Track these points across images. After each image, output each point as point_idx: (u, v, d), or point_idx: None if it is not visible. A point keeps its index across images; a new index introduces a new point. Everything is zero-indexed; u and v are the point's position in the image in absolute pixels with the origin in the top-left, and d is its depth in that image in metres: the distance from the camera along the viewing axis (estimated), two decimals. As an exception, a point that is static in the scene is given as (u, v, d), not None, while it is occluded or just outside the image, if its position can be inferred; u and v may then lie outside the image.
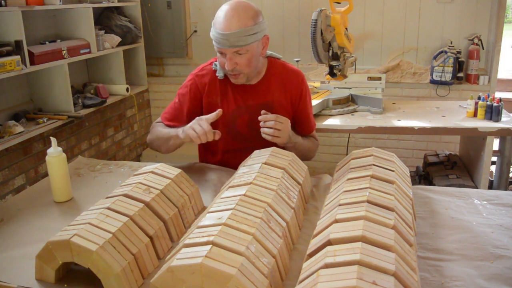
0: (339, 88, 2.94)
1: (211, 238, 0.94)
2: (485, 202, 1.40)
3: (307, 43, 2.80)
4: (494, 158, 3.02)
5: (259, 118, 1.59)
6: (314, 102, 2.60)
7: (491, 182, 2.99)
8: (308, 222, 1.28)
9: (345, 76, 2.82)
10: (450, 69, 3.43)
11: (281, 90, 1.75)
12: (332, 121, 2.60)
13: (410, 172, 2.42)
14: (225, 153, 1.78)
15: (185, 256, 0.91)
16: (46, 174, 1.56)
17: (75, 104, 3.04)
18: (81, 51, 3.07)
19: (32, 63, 2.63)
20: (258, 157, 1.40)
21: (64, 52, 2.90)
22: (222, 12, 1.56)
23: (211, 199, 1.40)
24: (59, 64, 2.87)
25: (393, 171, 1.27)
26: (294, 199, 1.25)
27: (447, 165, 2.91)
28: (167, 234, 1.19)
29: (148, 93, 4.22)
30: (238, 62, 1.59)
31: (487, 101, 2.51)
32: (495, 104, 2.47)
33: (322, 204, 1.32)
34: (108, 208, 1.11)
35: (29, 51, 2.60)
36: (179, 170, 1.38)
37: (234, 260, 0.89)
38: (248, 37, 1.54)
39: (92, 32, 3.16)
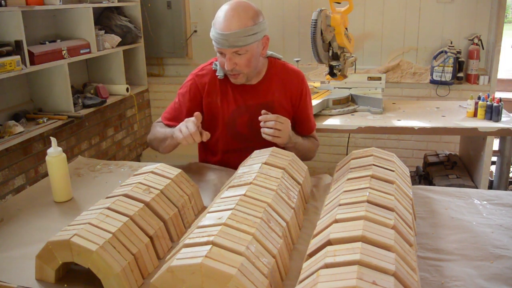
0: (339, 88, 2.94)
1: (211, 238, 0.94)
2: (485, 202, 1.40)
3: (307, 43, 2.80)
4: (494, 158, 3.02)
5: (259, 118, 1.59)
6: (314, 102, 2.60)
7: (491, 182, 2.99)
8: (308, 222, 1.28)
9: (345, 76, 2.82)
10: (450, 69, 3.43)
11: (281, 90, 1.75)
12: (332, 121, 2.60)
13: (410, 172, 2.42)
14: (225, 153, 1.78)
15: (185, 256, 0.91)
16: (46, 174, 1.56)
17: (75, 104, 3.04)
18: (81, 51, 3.07)
19: (32, 63, 2.63)
20: (258, 157, 1.40)
21: (64, 52, 2.90)
22: (222, 12, 1.56)
23: (211, 199, 1.40)
24: (59, 64, 2.87)
25: (393, 171, 1.27)
26: (294, 199, 1.25)
27: (447, 165, 2.91)
28: (167, 234, 1.19)
29: (148, 93, 4.22)
30: (237, 62, 1.58)
31: (487, 101, 2.51)
32: (495, 104, 2.47)
33: (322, 204, 1.32)
34: (108, 208, 1.11)
35: (29, 51, 2.60)
36: (179, 170, 1.38)
37: (234, 260, 0.89)
38: (247, 37, 1.54)
39: (92, 32, 3.16)
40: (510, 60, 7.92)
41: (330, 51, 2.73)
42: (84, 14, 3.12)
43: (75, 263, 1.02)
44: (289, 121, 1.63)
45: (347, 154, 1.63)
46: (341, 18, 2.60)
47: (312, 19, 2.55)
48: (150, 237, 1.11)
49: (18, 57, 2.50)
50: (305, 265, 0.93)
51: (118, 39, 3.46)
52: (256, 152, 1.46)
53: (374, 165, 1.28)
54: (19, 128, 2.60)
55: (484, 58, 3.51)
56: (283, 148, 1.58)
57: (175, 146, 1.68)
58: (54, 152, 1.43)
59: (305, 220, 1.30)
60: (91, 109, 3.19)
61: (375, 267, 0.83)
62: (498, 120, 2.46)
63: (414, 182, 2.91)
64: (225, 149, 1.77)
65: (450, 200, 1.41)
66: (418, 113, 2.72)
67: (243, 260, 0.90)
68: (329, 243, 0.94)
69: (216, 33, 1.55)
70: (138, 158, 4.14)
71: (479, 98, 2.56)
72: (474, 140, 2.83)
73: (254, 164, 1.33)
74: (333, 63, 2.74)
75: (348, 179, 1.23)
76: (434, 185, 2.74)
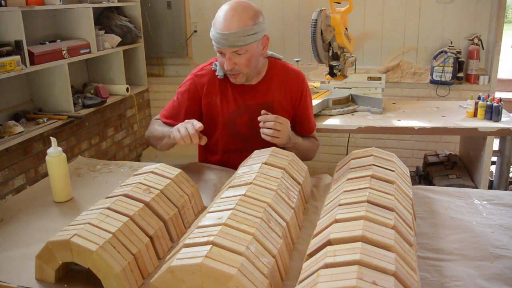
0: (339, 88, 2.94)
1: (211, 238, 0.94)
2: (485, 202, 1.40)
3: (307, 43, 2.80)
4: (494, 158, 3.02)
5: (259, 118, 1.59)
6: (314, 102, 2.60)
7: (491, 182, 2.99)
8: (308, 222, 1.28)
9: (345, 76, 2.82)
10: (450, 69, 3.43)
11: (281, 90, 1.75)
12: (332, 121, 2.60)
13: (410, 172, 2.42)
14: (225, 153, 1.78)
15: (185, 256, 0.91)
16: (46, 174, 1.56)
17: (75, 104, 3.04)
18: (81, 51, 3.07)
19: (32, 63, 2.63)
20: (258, 157, 1.40)
21: (64, 52, 2.90)
22: (222, 12, 1.56)
23: (211, 199, 1.40)
24: (59, 64, 2.87)
25: (393, 171, 1.27)
26: (294, 199, 1.25)
27: (447, 165, 2.91)
28: (167, 234, 1.19)
29: (148, 93, 4.22)
30: (237, 62, 1.58)
31: (487, 101, 2.51)
32: (495, 104, 2.47)
33: (322, 204, 1.32)
34: (108, 208, 1.11)
35: (29, 51, 2.61)
36: (179, 170, 1.38)
37: (234, 260, 0.89)
38: (247, 37, 1.54)
39: (92, 32, 3.16)
40: (510, 60, 7.92)
41: (330, 51, 2.73)
42: (84, 14, 3.12)
43: (75, 263, 1.02)
44: (289, 121, 1.63)
45: (347, 154, 1.63)
46: (341, 18, 2.60)
47: (312, 19, 2.55)
48: (150, 237, 1.11)
49: (18, 57, 2.50)
50: (305, 265, 0.93)
51: (118, 39, 3.46)
52: (256, 152, 1.46)
53: (374, 165, 1.28)
54: (19, 128, 2.60)
55: (484, 58, 3.51)
56: (283, 148, 1.58)
57: (172, 146, 1.68)
58: (54, 152, 1.43)
59: (305, 220, 1.30)
60: (91, 109, 3.19)
61: (375, 267, 0.83)
62: (498, 120, 2.46)
63: (414, 182, 2.91)
64: (225, 149, 1.77)
65: (450, 200, 1.41)
66: (418, 113, 2.72)
67: (243, 260, 0.90)
68: (329, 243, 0.94)
69: (216, 33, 1.55)
70: (138, 158, 4.14)
71: (479, 98, 2.56)
72: (474, 140, 2.83)
73: (254, 164, 1.33)
74: (333, 63, 2.74)
75: (348, 179, 1.23)
76: (434, 185, 2.74)
